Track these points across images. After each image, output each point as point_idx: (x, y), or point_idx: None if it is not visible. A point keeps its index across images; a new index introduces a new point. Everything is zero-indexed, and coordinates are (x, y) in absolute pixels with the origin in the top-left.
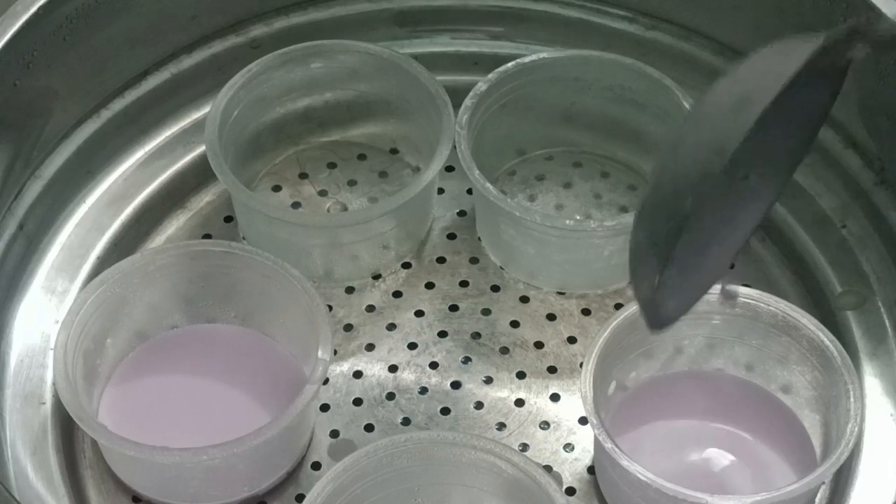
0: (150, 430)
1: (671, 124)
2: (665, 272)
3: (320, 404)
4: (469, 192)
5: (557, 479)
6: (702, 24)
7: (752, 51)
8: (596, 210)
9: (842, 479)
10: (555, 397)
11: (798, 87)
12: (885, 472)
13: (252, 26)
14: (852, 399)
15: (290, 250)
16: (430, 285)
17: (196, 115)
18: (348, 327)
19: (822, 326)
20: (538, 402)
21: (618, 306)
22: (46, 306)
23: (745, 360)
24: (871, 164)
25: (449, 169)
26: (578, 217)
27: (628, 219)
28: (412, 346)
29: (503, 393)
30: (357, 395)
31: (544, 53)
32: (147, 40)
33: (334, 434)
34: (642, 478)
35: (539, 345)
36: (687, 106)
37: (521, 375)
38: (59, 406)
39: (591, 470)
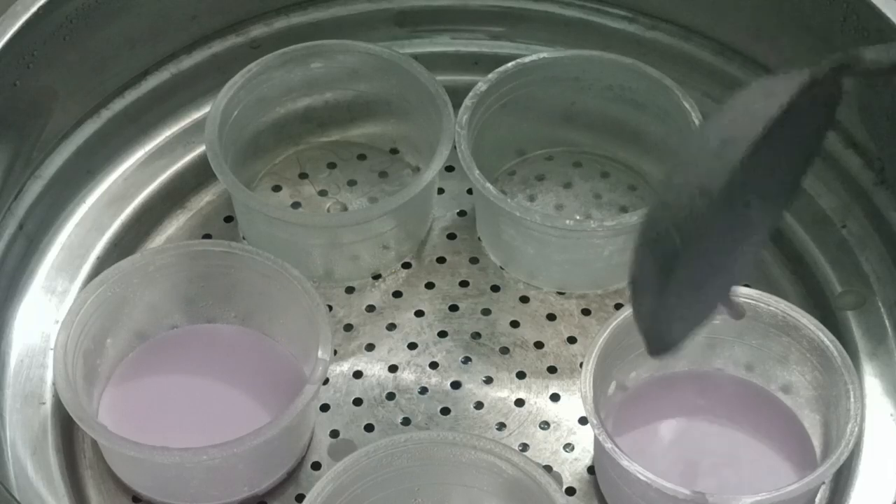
0: (150, 430)
1: (671, 124)
2: (662, 304)
3: (320, 404)
4: (469, 192)
5: (557, 479)
6: (702, 24)
7: (738, 90)
8: (596, 210)
9: (842, 479)
10: (555, 397)
11: (788, 120)
12: (885, 472)
13: (252, 26)
14: (852, 399)
15: (290, 250)
16: (430, 285)
17: (196, 115)
18: (348, 327)
19: (822, 326)
20: (538, 402)
21: (618, 306)
22: (46, 306)
23: (745, 360)
24: (871, 164)
25: (449, 169)
26: (578, 217)
27: (628, 219)
28: (412, 346)
29: (503, 393)
30: (357, 395)
31: (544, 53)
32: (147, 40)
33: (334, 434)
34: (642, 478)
35: (539, 345)
36: (687, 106)
37: (521, 375)
38: (59, 406)
39: (591, 470)
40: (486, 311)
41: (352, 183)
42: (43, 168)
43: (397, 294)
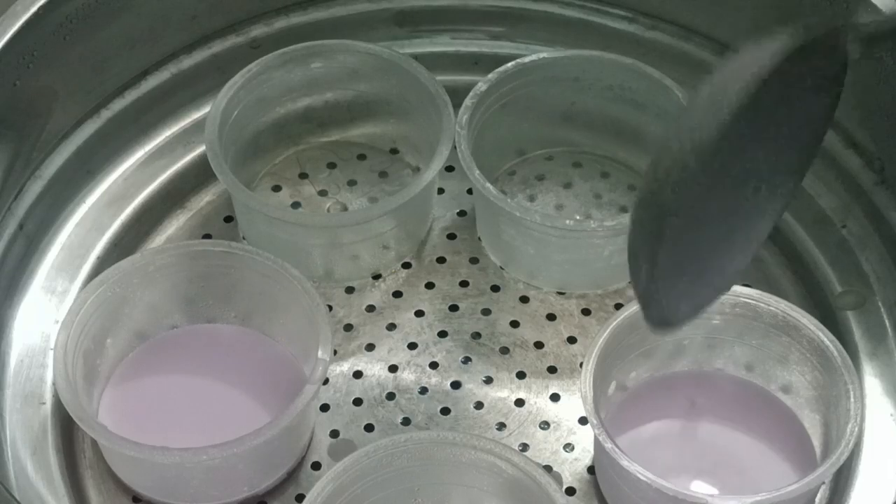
0: (150, 430)
1: (671, 124)
2: (656, 267)
3: (320, 404)
4: (469, 192)
5: (557, 479)
6: (702, 24)
7: (735, 47)
8: (596, 210)
9: (842, 479)
10: (555, 397)
11: (788, 89)
12: (885, 472)
13: (252, 26)
14: (852, 399)
15: (290, 250)
16: (430, 285)
17: (196, 115)
18: (348, 327)
19: (822, 326)
20: (538, 402)
21: (618, 306)
22: (46, 306)
23: (745, 360)
24: (871, 164)
25: (449, 169)
26: (578, 217)
27: (628, 219)
28: (412, 346)
29: (503, 393)
30: (357, 395)
31: (544, 53)
32: (147, 40)
33: (334, 434)
34: (642, 478)
35: (539, 345)
36: None
37: (521, 375)
38: (59, 406)
39: (591, 470)
40: (486, 311)
41: (352, 183)
42: (43, 168)
43: (397, 294)
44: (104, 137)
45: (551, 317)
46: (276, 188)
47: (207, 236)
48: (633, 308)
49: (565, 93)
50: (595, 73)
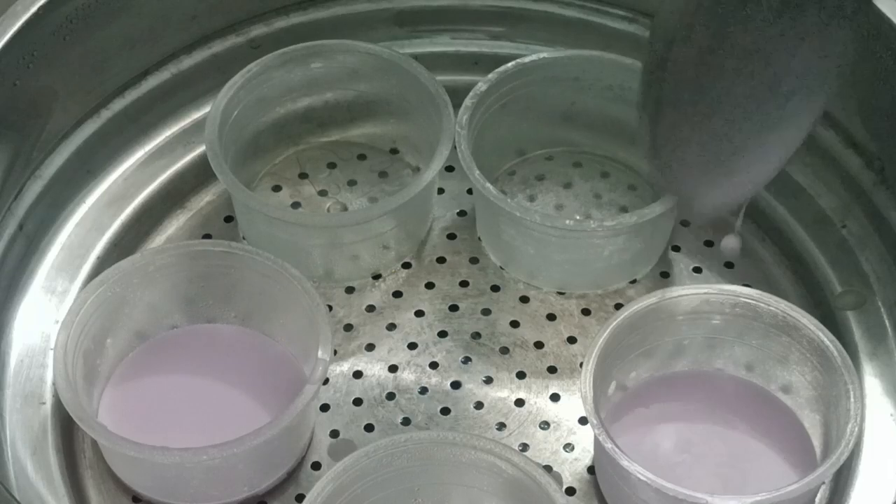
0: (150, 430)
1: None
2: (661, 110)
3: (320, 404)
4: (469, 192)
5: (557, 479)
6: None
7: None
8: (596, 210)
9: (842, 479)
10: (555, 397)
11: None
12: (885, 472)
13: (252, 26)
14: (852, 399)
15: (290, 250)
16: (430, 285)
17: (196, 115)
18: (348, 327)
19: (822, 326)
20: (538, 402)
21: (618, 306)
22: (46, 306)
23: (745, 360)
24: (871, 164)
25: (449, 169)
26: (578, 217)
27: (628, 219)
28: (412, 346)
29: (503, 393)
30: (357, 395)
31: (544, 53)
32: (147, 40)
33: (334, 434)
34: (642, 478)
35: (539, 345)
36: None
37: (521, 375)
38: (59, 406)
39: (591, 470)
40: (486, 311)
41: (352, 183)
42: (43, 168)
43: (397, 294)
44: (104, 137)
45: (551, 317)
46: (276, 188)
47: (207, 236)
48: (633, 308)
49: (565, 93)
50: (595, 73)
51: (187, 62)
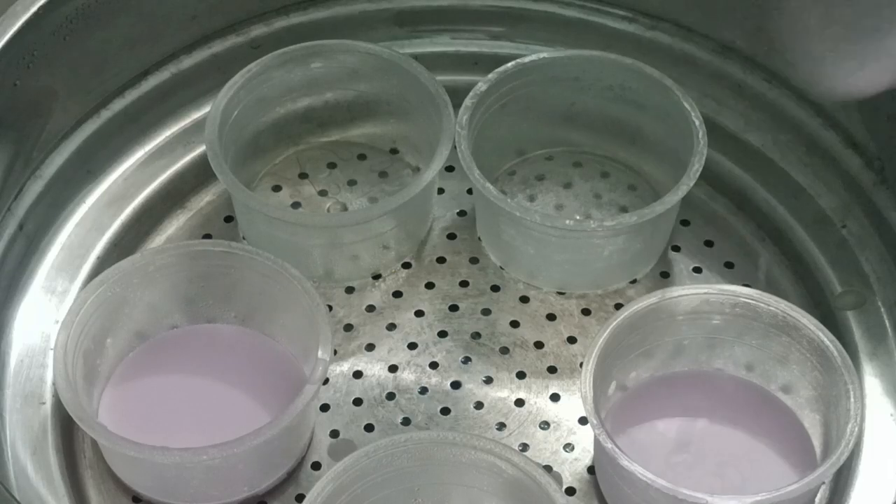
0: (150, 430)
1: (671, 124)
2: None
3: (320, 404)
4: (469, 192)
5: (557, 479)
6: (702, 24)
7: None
8: (596, 210)
9: (842, 479)
10: (555, 397)
11: None
12: (885, 472)
13: (252, 26)
14: (852, 399)
15: (290, 250)
16: (430, 285)
17: (196, 115)
18: (348, 327)
19: (822, 326)
20: (538, 402)
21: (618, 306)
22: (46, 306)
23: (745, 360)
24: (871, 164)
25: (449, 169)
26: (578, 217)
27: (628, 219)
28: (412, 346)
29: (503, 393)
30: (357, 395)
31: (544, 53)
32: (147, 40)
33: (334, 434)
34: (642, 478)
35: (539, 345)
36: (687, 106)
37: (521, 375)
38: (59, 406)
39: (591, 470)
40: (486, 311)
41: (352, 183)
42: (43, 168)
43: (397, 294)
44: (104, 137)
45: (551, 317)
46: (276, 188)
47: (207, 236)
48: (633, 308)
49: (565, 93)
50: (595, 73)
51: (187, 62)
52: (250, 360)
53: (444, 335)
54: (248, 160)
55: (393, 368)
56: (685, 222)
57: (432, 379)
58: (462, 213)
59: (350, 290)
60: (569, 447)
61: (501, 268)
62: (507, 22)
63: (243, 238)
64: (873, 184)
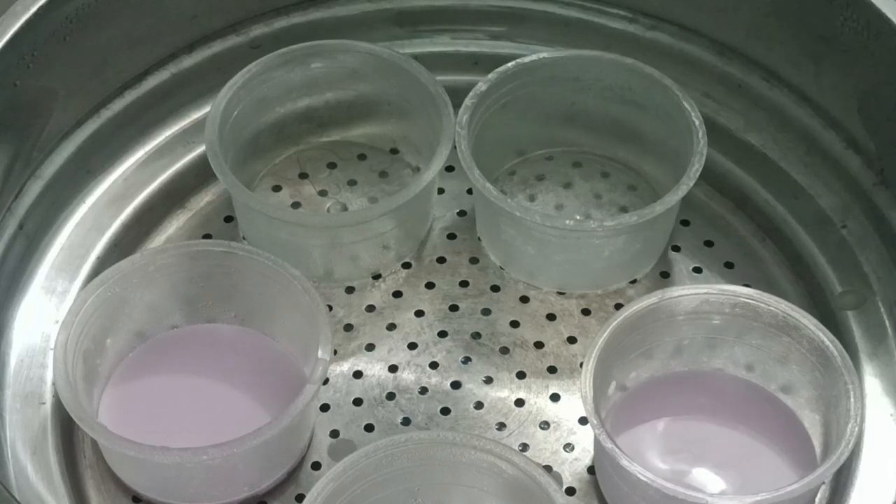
0: (150, 430)
1: (671, 124)
2: None
3: (320, 404)
4: (469, 192)
5: (557, 479)
6: (702, 24)
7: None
8: (596, 210)
9: (842, 479)
10: (555, 397)
11: None
12: (885, 472)
13: (252, 26)
14: (852, 399)
15: (290, 250)
16: (430, 285)
17: (196, 115)
18: (348, 327)
19: (822, 326)
20: (538, 402)
21: (618, 306)
22: (46, 306)
23: (745, 360)
24: (871, 164)
25: (449, 169)
26: (578, 217)
27: (628, 219)
28: (412, 346)
29: (503, 393)
30: (357, 395)
31: (544, 53)
32: (147, 40)
33: (334, 434)
34: (642, 478)
35: (539, 345)
36: (687, 106)
37: (521, 375)
38: (59, 406)
39: (591, 470)
40: (486, 311)
41: (352, 183)
42: (43, 168)
43: (397, 294)
44: (104, 137)
45: (551, 317)
46: (276, 188)
47: (207, 236)
48: (633, 308)
49: (565, 93)
50: (595, 73)
51: (187, 62)
52: (250, 360)
53: (444, 335)
54: (248, 160)
55: (393, 368)
56: (685, 222)
57: (432, 379)
58: (462, 213)
59: (350, 290)
60: (569, 447)
61: (501, 268)
62: (507, 22)
63: (243, 238)
64: (873, 184)
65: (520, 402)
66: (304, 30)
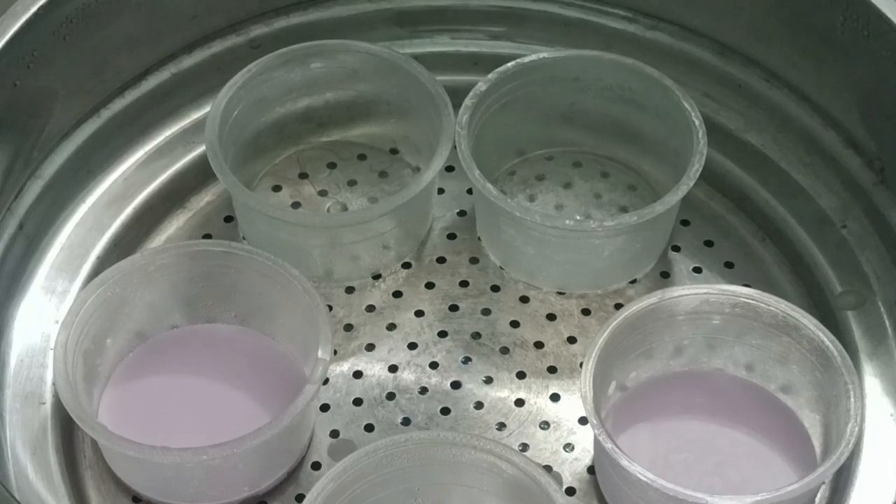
0: (150, 430)
1: (671, 124)
2: None
3: (320, 404)
4: (469, 192)
5: (557, 479)
6: (702, 24)
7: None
8: (596, 210)
9: (842, 479)
10: (555, 397)
11: None
12: (885, 472)
13: (252, 26)
14: (852, 399)
15: (290, 250)
16: (430, 285)
17: (196, 115)
18: (348, 327)
19: (822, 326)
20: (538, 402)
21: (618, 306)
22: (46, 306)
23: (745, 360)
24: (871, 164)
25: (449, 169)
26: (578, 217)
27: (628, 219)
28: (412, 346)
29: (503, 393)
30: (357, 395)
31: (544, 53)
32: (147, 40)
33: (334, 434)
34: (642, 478)
35: (539, 345)
36: (687, 106)
37: (521, 375)
38: (59, 406)
39: (591, 470)
40: (486, 311)
41: (352, 183)
42: (43, 168)
43: (397, 294)
44: (104, 137)
45: (551, 317)
46: (276, 188)
47: (207, 236)
48: (633, 308)
49: (565, 93)
50: (595, 73)
51: (187, 62)
52: (250, 360)
53: (444, 335)
54: (248, 160)
55: (393, 368)
56: (685, 222)
57: (432, 379)
58: (462, 213)
59: (350, 290)
60: (569, 447)
61: (501, 268)
62: (507, 22)
63: (243, 238)
64: (873, 184)
65: (520, 402)
66: (304, 30)
